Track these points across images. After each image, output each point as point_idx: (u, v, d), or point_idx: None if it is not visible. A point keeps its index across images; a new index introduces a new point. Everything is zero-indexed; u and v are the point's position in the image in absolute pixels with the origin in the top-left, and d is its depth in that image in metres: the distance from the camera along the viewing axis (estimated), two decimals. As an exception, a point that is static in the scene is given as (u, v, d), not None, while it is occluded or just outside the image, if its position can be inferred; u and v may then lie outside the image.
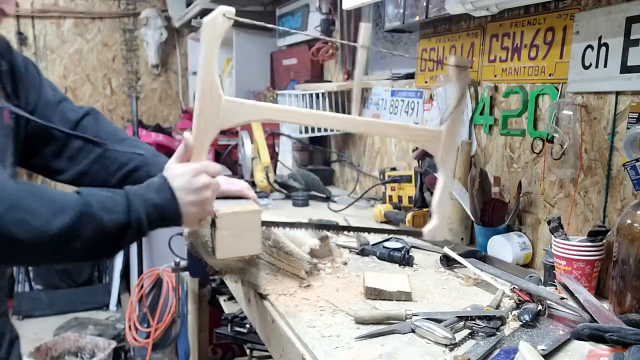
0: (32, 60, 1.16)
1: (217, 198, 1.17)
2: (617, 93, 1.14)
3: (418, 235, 1.19)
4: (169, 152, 1.26)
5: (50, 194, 0.88)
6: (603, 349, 0.86)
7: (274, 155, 2.39)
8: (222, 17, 0.96)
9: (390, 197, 1.88)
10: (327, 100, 2.31)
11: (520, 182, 1.39)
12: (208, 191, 1.00)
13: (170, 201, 0.95)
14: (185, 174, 0.98)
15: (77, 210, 0.86)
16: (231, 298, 2.22)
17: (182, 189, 0.97)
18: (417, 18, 1.67)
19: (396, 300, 1.12)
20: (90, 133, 1.18)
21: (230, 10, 0.97)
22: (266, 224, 1.18)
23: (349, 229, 1.49)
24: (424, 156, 1.69)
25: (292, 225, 1.24)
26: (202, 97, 0.98)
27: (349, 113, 2.33)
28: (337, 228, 1.51)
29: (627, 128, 1.11)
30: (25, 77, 1.11)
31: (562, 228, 1.18)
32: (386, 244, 1.46)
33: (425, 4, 1.61)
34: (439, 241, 1.27)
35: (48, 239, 0.84)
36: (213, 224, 1.10)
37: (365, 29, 1.04)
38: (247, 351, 2.06)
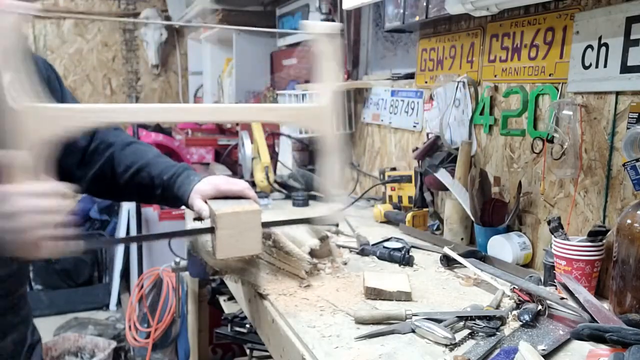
0: (53, 67, 1.16)
1: (217, 198, 1.17)
2: (617, 93, 1.14)
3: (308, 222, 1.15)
4: (169, 152, 1.26)
5: None
6: (603, 349, 0.86)
7: (274, 155, 2.39)
8: (6, 15, 0.82)
9: (390, 197, 1.88)
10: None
11: (520, 182, 1.39)
12: (28, 216, 0.82)
13: None
14: None
15: None
16: (231, 298, 2.22)
17: None
18: (417, 18, 1.67)
19: (396, 300, 1.12)
20: (101, 137, 1.20)
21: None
22: (265, 224, 1.18)
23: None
24: (424, 156, 1.69)
25: (286, 222, 1.22)
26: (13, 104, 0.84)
27: (349, 113, 2.34)
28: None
29: (627, 128, 1.11)
30: (46, 82, 1.08)
31: (562, 228, 1.18)
32: (386, 244, 1.46)
33: (425, 4, 1.61)
34: (333, 224, 1.20)
35: None
36: (213, 224, 1.10)
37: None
38: (247, 351, 2.06)
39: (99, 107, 0.98)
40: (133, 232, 3.85)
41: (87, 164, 1.18)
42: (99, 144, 1.19)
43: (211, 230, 1.10)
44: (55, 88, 1.12)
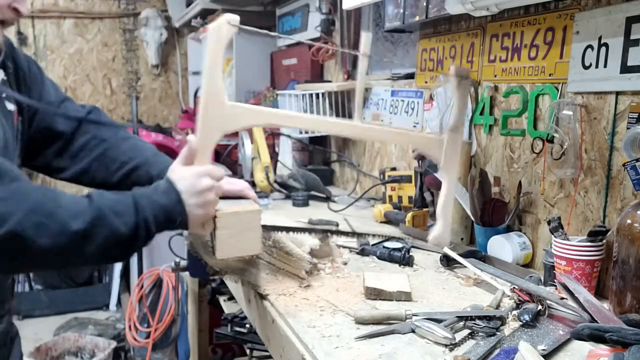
0: (35, 60, 1.17)
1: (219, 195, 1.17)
2: (617, 93, 1.14)
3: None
4: (169, 152, 1.26)
5: (65, 198, 0.89)
6: (603, 349, 0.86)
7: (274, 155, 2.39)
8: (226, 24, 0.98)
9: (390, 197, 1.88)
10: (327, 100, 2.31)
11: (520, 182, 1.39)
12: (211, 194, 1.00)
13: (176, 203, 0.96)
14: (189, 176, 0.98)
15: (90, 215, 0.87)
16: (231, 298, 2.22)
17: (186, 191, 0.97)
18: (417, 18, 1.67)
19: (396, 300, 1.12)
20: (92, 132, 1.18)
21: (235, 18, 0.98)
22: (267, 228, 1.18)
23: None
24: (424, 156, 1.69)
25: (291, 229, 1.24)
26: (206, 102, 1.00)
27: (349, 113, 2.34)
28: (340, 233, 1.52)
29: (627, 128, 1.11)
30: (28, 77, 1.11)
31: (562, 228, 1.18)
32: (386, 244, 1.46)
33: (425, 4, 1.61)
34: (443, 245, 1.27)
35: (65, 243, 0.85)
36: (213, 223, 1.10)
37: (366, 38, 1.05)
38: (247, 351, 2.06)
39: (278, 112, 1.14)
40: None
41: (73, 157, 1.17)
42: (90, 139, 1.18)
43: (211, 232, 1.10)
44: (36, 78, 1.14)
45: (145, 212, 0.92)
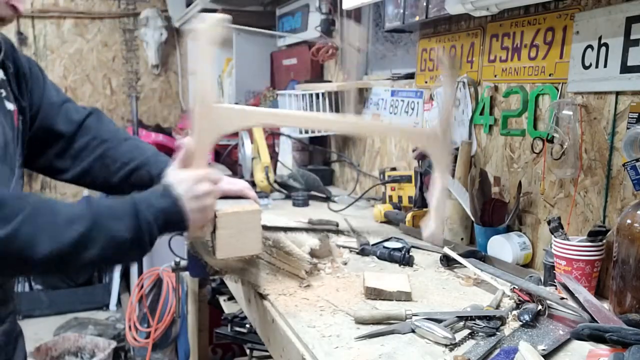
0: (36, 61, 1.17)
1: (217, 198, 1.17)
2: (617, 93, 1.14)
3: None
4: (169, 152, 1.26)
5: (59, 207, 0.88)
6: (603, 349, 0.86)
7: (274, 155, 2.39)
8: (216, 24, 0.97)
9: (390, 197, 1.88)
10: (327, 100, 2.31)
11: (520, 182, 1.39)
12: (209, 198, 1.00)
13: (175, 207, 0.96)
14: (187, 180, 0.98)
15: (87, 220, 0.87)
16: (231, 298, 2.22)
17: (185, 195, 0.97)
18: (417, 18, 1.67)
19: (396, 300, 1.12)
20: (93, 133, 1.19)
21: (225, 18, 0.97)
22: (267, 228, 1.18)
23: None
24: (424, 156, 1.69)
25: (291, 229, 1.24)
26: (198, 104, 0.99)
27: (349, 113, 2.34)
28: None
29: (627, 128, 1.11)
30: (29, 78, 1.11)
31: (562, 228, 1.18)
32: (386, 244, 1.46)
33: (425, 4, 1.61)
34: (437, 243, 1.27)
35: (60, 252, 0.84)
36: (213, 224, 1.10)
37: (353, 30, 1.05)
38: (247, 351, 2.06)
39: (274, 112, 1.17)
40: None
41: (75, 158, 1.17)
42: (91, 140, 1.18)
43: (211, 233, 1.10)
44: (38, 80, 1.14)
45: (146, 216, 0.92)
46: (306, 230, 1.33)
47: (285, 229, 1.25)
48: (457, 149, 1.57)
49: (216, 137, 1.02)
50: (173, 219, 0.96)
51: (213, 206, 1.02)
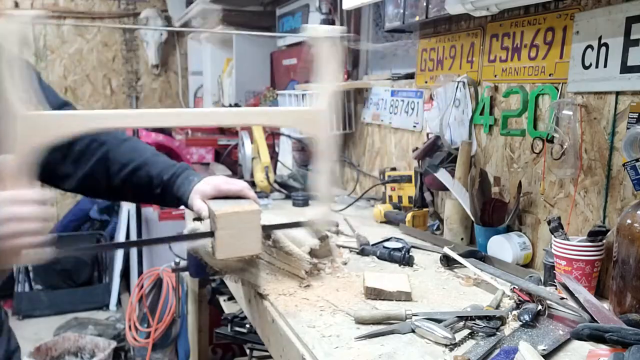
0: (33, 66, 1.16)
1: (217, 198, 1.17)
2: (617, 93, 1.14)
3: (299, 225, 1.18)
4: (169, 152, 1.26)
5: None
6: (603, 349, 0.86)
7: (274, 155, 2.39)
8: (12, 22, 0.85)
9: (390, 197, 1.88)
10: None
11: (520, 182, 1.39)
12: (12, 224, 0.83)
13: None
14: None
15: None
16: (231, 298, 2.22)
17: None
18: (417, 18, 1.67)
19: (396, 300, 1.12)
20: (92, 136, 1.18)
21: (38, 14, 0.89)
22: (266, 228, 1.18)
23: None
24: (424, 156, 1.69)
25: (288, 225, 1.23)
26: (5, 115, 0.86)
27: (349, 113, 2.34)
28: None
29: (627, 128, 1.11)
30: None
31: (562, 228, 1.18)
32: (386, 244, 1.46)
33: (425, 4, 1.61)
34: (324, 227, 1.22)
35: None
36: (213, 224, 1.10)
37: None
38: (247, 351, 2.06)
39: (91, 114, 0.98)
40: (133, 232, 3.85)
41: (76, 162, 1.16)
42: (90, 143, 1.17)
43: (210, 234, 1.10)
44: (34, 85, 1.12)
45: None
46: (295, 225, 1.29)
47: (284, 226, 1.24)
48: (457, 149, 1.57)
49: (33, 149, 0.88)
50: None
51: (20, 233, 0.84)
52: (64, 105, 1.19)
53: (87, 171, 1.17)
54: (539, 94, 1.35)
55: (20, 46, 0.85)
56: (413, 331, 0.97)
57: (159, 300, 3.08)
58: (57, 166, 1.16)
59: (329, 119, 1.05)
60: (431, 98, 1.78)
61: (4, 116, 0.86)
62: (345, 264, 1.37)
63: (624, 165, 1.07)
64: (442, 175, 1.55)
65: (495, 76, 1.51)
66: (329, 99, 1.04)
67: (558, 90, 1.29)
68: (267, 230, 1.19)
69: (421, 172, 1.70)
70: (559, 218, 1.19)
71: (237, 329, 2.04)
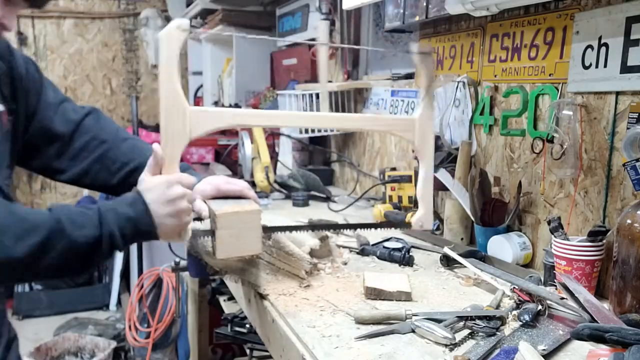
0: (34, 60, 1.16)
1: (217, 198, 1.17)
2: (617, 93, 1.14)
3: (403, 226, 1.22)
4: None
5: (22, 212, 0.88)
6: (603, 349, 0.86)
7: (274, 155, 2.39)
8: (177, 30, 0.97)
9: (390, 197, 1.88)
10: (327, 100, 2.31)
11: (520, 182, 1.39)
12: (183, 202, 0.98)
13: (143, 214, 0.95)
14: (158, 185, 0.97)
15: (47, 227, 0.87)
16: (231, 298, 2.22)
17: (156, 201, 0.96)
18: (417, 18, 1.67)
19: (396, 300, 1.12)
20: (92, 133, 1.18)
21: (185, 22, 0.98)
22: (267, 228, 1.18)
23: (345, 226, 1.49)
24: (424, 156, 1.69)
25: (291, 228, 1.24)
26: (166, 110, 0.99)
27: (349, 112, 2.34)
28: (337, 227, 1.51)
29: (627, 128, 1.11)
30: (25, 79, 1.10)
31: (562, 228, 1.18)
32: (386, 244, 1.46)
33: (425, 4, 1.61)
34: (427, 230, 1.26)
35: (18, 257, 0.84)
36: (213, 223, 1.10)
37: (324, 26, 1.08)
38: (247, 351, 2.06)
39: (241, 112, 1.16)
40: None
41: (73, 158, 1.17)
42: (90, 141, 1.17)
43: (211, 233, 1.10)
44: (35, 79, 1.13)
45: (109, 225, 0.91)
46: (306, 227, 1.32)
47: (285, 229, 1.25)
48: (457, 149, 1.57)
49: (187, 141, 1.01)
50: (141, 227, 0.95)
51: (188, 210, 1.00)
52: (64, 100, 1.19)
53: (85, 168, 1.17)
54: (539, 94, 1.35)
55: (177, 49, 0.98)
56: (413, 331, 0.97)
57: (159, 300, 3.08)
58: (53, 160, 1.16)
59: (429, 125, 1.13)
60: (431, 98, 1.77)
61: (173, 111, 0.99)
62: (345, 264, 1.37)
63: (624, 165, 1.07)
64: (442, 175, 1.55)
65: (495, 76, 1.51)
66: (425, 108, 1.12)
67: (558, 90, 1.29)
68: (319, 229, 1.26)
69: (421, 172, 1.70)
70: (559, 218, 1.19)
71: (237, 329, 2.04)
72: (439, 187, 1.59)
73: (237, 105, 3.21)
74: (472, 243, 1.55)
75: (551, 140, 1.28)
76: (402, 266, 1.36)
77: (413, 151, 1.76)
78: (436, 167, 1.58)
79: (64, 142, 1.16)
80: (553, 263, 1.19)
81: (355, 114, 1.23)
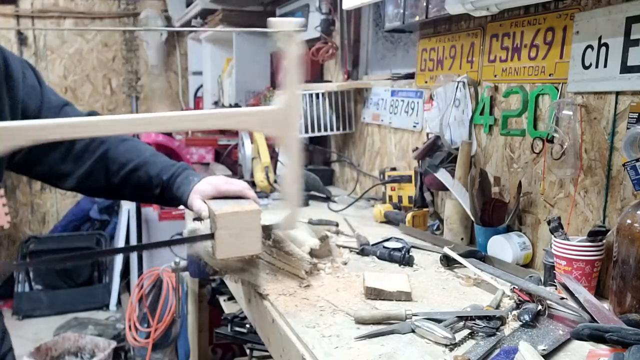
0: (32, 65, 1.16)
1: (217, 198, 1.17)
2: (617, 93, 1.14)
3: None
4: (169, 152, 1.27)
5: None
6: (603, 349, 0.86)
7: (274, 155, 2.39)
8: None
9: (390, 197, 1.88)
10: (327, 100, 2.31)
11: (520, 182, 1.39)
12: None
13: None
14: None
15: None
16: (231, 298, 2.22)
17: None
18: (417, 18, 1.67)
19: (396, 300, 1.12)
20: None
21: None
22: (267, 228, 1.18)
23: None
24: (424, 156, 1.69)
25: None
26: None
27: (349, 113, 2.34)
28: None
29: (627, 128, 1.11)
30: (22, 84, 1.09)
31: (562, 228, 1.18)
32: (386, 244, 1.46)
33: (425, 4, 1.61)
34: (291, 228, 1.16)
35: None
36: (213, 224, 1.10)
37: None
38: (247, 351, 2.06)
39: (41, 124, 0.91)
40: (133, 232, 3.85)
41: (76, 161, 1.17)
42: (90, 142, 1.17)
43: (210, 236, 1.10)
44: (33, 84, 1.12)
45: None
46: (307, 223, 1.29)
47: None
48: (457, 149, 1.57)
49: None
50: None
51: None
52: (64, 105, 1.19)
53: (87, 170, 1.17)
54: (539, 94, 1.35)
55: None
56: (413, 331, 0.97)
57: (159, 300, 3.08)
58: (57, 166, 1.16)
59: (294, 118, 0.99)
60: (431, 98, 1.78)
61: None
62: (345, 264, 1.37)
63: (624, 165, 1.07)
64: (442, 175, 1.55)
65: (495, 76, 1.51)
66: (291, 97, 0.99)
67: (558, 90, 1.29)
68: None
69: (421, 172, 1.70)
70: (559, 218, 1.19)
71: (237, 329, 2.04)
72: (439, 187, 1.60)
73: (237, 105, 3.21)
74: (472, 243, 1.55)
75: (551, 140, 1.28)
76: (402, 266, 1.36)
77: (413, 151, 1.76)
78: (436, 167, 1.58)
79: (67, 145, 1.16)
80: (553, 263, 1.19)
81: (196, 111, 1.02)
